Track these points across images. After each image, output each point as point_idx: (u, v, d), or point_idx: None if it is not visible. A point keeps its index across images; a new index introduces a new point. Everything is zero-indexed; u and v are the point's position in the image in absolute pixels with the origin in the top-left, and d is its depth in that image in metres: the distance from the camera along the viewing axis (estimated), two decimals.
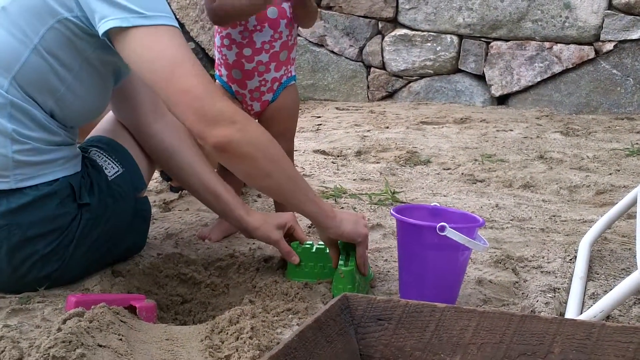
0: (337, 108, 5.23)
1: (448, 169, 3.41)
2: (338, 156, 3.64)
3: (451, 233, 1.79)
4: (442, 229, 1.79)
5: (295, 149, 2.56)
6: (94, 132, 2.11)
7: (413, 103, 5.41)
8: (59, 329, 1.51)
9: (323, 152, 3.69)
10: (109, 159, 1.99)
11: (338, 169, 3.35)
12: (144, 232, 2.13)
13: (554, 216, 2.71)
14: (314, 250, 2.03)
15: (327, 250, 1.99)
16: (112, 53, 1.75)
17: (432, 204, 2.05)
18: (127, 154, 2.04)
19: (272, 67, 2.23)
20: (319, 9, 5.70)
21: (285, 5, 2.21)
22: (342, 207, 2.69)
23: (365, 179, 3.19)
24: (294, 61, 2.32)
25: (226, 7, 2.10)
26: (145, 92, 2.01)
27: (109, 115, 2.12)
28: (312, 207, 1.85)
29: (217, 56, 2.31)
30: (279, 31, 2.20)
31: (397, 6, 5.59)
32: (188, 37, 6.06)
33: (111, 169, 1.98)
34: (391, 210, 1.93)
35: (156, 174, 2.95)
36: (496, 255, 2.21)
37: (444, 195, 2.95)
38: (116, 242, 1.98)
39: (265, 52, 2.21)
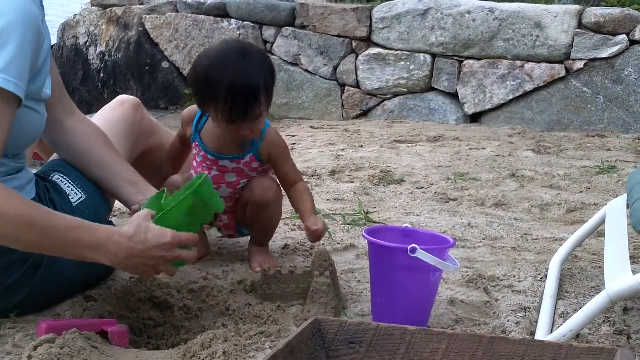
0: (311, 127, 5.25)
1: (421, 187, 3.43)
2: (312, 175, 3.65)
3: (422, 254, 1.81)
4: (413, 250, 1.81)
5: None
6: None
7: (387, 121, 5.44)
8: (29, 357, 1.51)
9: None
10: (72, 185, 1.99)
11: (312, 189, 3.35)
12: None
13: (525, 234, 2.74)
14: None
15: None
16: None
17: (403, 225, 2.07)
18: None
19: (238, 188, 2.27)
20: (293, 29, 5.73)
21: (251, 172, 2.23)
22: None
23: (339, 199, 3.21)
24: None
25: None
26: (53, 92, 1.97)
27: None
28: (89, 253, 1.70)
29: None
30: (238, 188, 2.25)
31: (370, 25, 5.63)
32: (162, 56, 6.07)
33: (74, 195, 1.98)
34: (362, 232, 1.95)
35: None
36: (468, 275, 2.23)
37: (417, 215, 2.97)
38: (85, 269, 1.96)
39: (226, 200, 2.18)
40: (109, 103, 2.40)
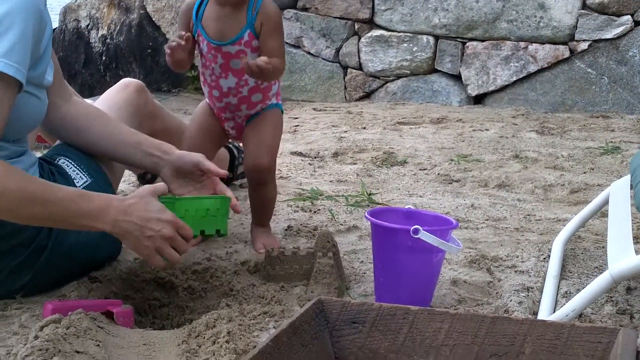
0: (314, 109, 5.24)
1: (424, 169, 3.44)
2: (315, 158, 3.65)
3: (425, 236, 1.81)
4: (416, 231, 1.81)
5: None
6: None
7: (390, 103, 5.43)
8: (36, 337, 1.51)
9: (300, 154, 3.70)
10: (78, 169, 2.00)
11: (315, 171, 3.36)
12: (118, 240, 2.13)
13: (528, 215, 2.74)
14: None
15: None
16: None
17: (406, 207, 2.07)
18: (95, 163, 2.06)
19: (243, 107, 2.27)
20: (296, 11, 5.72)
21: (253, 55, 2.18)
22: (319, 210, 2.70)
23: (342, 181, 3.21)
24: (277, 94, 2.32)
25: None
26: (53, 82, 1.97)
27: None
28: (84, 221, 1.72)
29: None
30: (244, 79, 2.21)
31: (373, 7, 5.61)
32: (164, 39, 6.05)
33: (80, 179, 1.99)
34: (365, 214, 1.95)
35: (133, 178, 2.95)
36: (471, 255, 2.24)
37: (420, 196, 2.98)
38: (90, 251, 1.98)
39: (233, 96, 2.23)
40: (113, 86, 2.40)
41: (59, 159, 2.03)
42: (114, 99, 2.35)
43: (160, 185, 1.88)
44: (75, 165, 2.02)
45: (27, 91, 1.74)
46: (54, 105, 1.98)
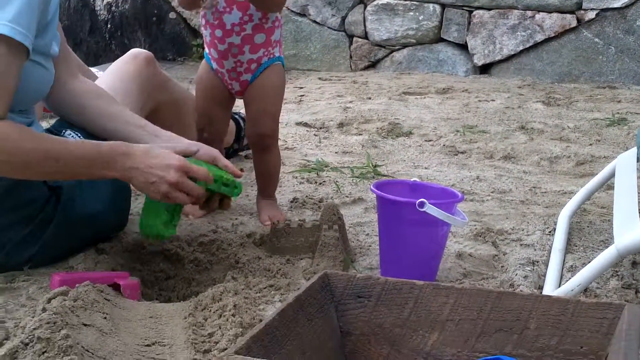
0: (319, 78, 5.22)
1: (430, 140, 3.43)
2: (320, 128, 3.65)
3: (430, 209, 1.81)
4: (422, 205, 1.81)
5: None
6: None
7: (396, 73, 5.40)
8: (44, 309, 1.52)
9: (305, 125, 3.70)
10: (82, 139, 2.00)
11: (320, 142, 3.36)
12: (125, 211, 2.14)
13: (534, 187, 2.74)
14: None
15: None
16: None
17: (412, 179, 2.07)
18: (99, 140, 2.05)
19: (245, 49, 2.20)
20: None
21: None
22: (324, 181, 2.70)
23: (347, 152, 3.21)
24: (278, 43, 2.26)
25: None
26: (59, 53, 1.97)
27: None
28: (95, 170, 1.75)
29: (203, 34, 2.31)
30: (248, 14, 2.16)
31: None
32: (169, 7, 6.02)
33: None
34: (371, 186, 1.95)
35: None
36: (476, 229, 2.24)
37: (425, 168, 2.97)
38: (97, 222, 1.98)
39: (236, 35, 2.18)
40: (122, 57, 2.39)
41: (65, 131, 2.02)
42: (122, 69, 2.34)
43: (186, 144, 1.90)
44: (80, 137, 2.02)
45: (33, 60, 1.73)
46: (60, 80, 1.97)
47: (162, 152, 1.79)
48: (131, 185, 1.96)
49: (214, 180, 1.85)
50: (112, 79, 2.32)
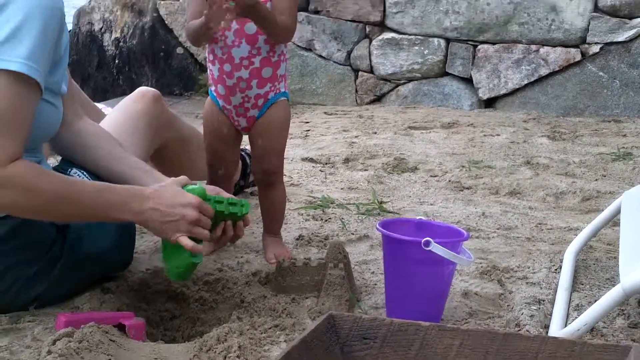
0: (325, 113, 5.24)
1: (435, 176, 3.43)
2: (326, 164, 3.66)
3: (436, 248, 1.81)
4: (427, 244, 1.81)
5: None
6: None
7: (401, 107, 5.43)
8: (49, 352, 1.53)
9: (311, 160, 3.71)
10: (89, 179, 2.01)
11: (326, 178, 3.37)
12: (130, 249, 2.14)
13: (540, 224, 2.74)
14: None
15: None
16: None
17: (417, 218, 2.08)
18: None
19: (253, 83, 2.22)
20: (307, 14, 5.72)
21: None
22: (330, 218, 2.71)
23: (353, 188, 3.21)
24: (284, 78, 2.28)
25: (188, 31, 2.20)
26: (66, 97, 1.98)
27: None
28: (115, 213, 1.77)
29: (209, 71, 2.33)
30: (256, 47, 2.19)
31: (384, 10, 5.61)
32: (177, 42, 6.07)
33: None
34: (377, 225, 1.96)
35: None
36: (482, 266, 2.24)
37: (431, 204, 2.97)
38: (104, 260, 1.99)
39: (245, 68, 2.20)
40: (129, 95, 2.41)
41: (71, 170, 2.04)
42: (130, 107, 2.37)
43: (182, 177, 1.90)
44: (86, 175, 2.03)
45: (43, 98, 1.75)
46: (66, 121, 1.98)
47: (174, 190, 1.81)
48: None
49: (220, 201, 1.87)
50: (120, 117, 2.34)
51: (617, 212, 2.40)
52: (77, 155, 2.04)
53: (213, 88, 2.30)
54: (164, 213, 1.76)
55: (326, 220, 2.69)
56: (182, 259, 1.82)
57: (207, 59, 2.30)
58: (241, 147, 2.73)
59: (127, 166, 2.00)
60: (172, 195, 1.79)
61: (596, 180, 3.36)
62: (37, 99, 1.70)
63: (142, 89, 2.44)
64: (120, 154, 2.03)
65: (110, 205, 1.75)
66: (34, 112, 1.69)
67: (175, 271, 1.84)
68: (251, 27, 2.17)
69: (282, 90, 2.28)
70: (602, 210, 2.56)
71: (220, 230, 1.90)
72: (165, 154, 2.48)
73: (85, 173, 2.01)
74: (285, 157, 2.39)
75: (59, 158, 2.19)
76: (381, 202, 2.89)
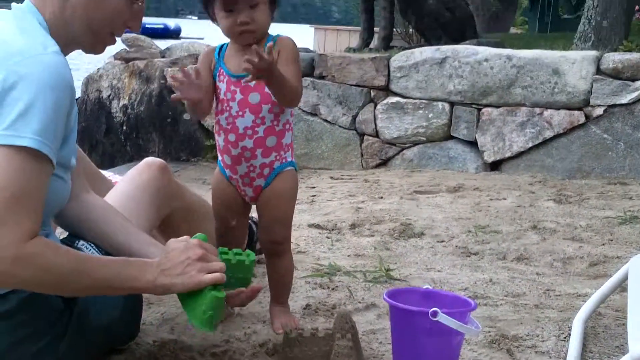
0: (331, 177, 5.27)
1: (442, 241, 3.43)
2: (332, 230, 3.66)
3: (443, 318, 1.81)
4: (435, 314, 1.81)
5: None
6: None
7: (407, 170, 5.45)
8: None
9: (318, 226, 3.71)
10: (96, 252, 2.02)
11: (332, 245, 3.37)
12: (137, 321, 2.14)
13: (548, 290, 2.73)
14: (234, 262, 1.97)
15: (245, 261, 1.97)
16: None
17: (424, 287, 2.07)
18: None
19: (258, 153, 2.23)
20: (312, 79, 5.79)
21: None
22: (337, 286, 2.70)
23: (359, 255, 3.21)
24: (290, 147, 2.30)
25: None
26: (74, 171, 2.00)
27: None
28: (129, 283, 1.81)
29: (215, 141, 2.35)
30: (260, 116, 2.21)
31: (388, 75, 5.68)
32: (183, 108, 6.13)
33: None
34: (384, 295, 1.95)
35: None
36: (490, 335, 2.22)
37: (438, 271, 2.97)
38: (111, 332, 1.99)
39: (249, 138, 2.22)
40: (136, 166, 2.44)
41: (78, 242, 2.05)
42: (137, 178, 2.38)
43: (183, 237, 1.93)
44: (93, 248, 2.04)
45: (54, 173, 1.77)
46: (74, 194, 2.00)
47: (175, 246, 1.87)
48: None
49: (225, 252, 1.93)
50: (127, 188, 2.36)
51: (625, 277, 2.39)
52: (83, 228, 2.05)
53: (220, 158, 2.32)
54: (173, 268, 1.82)
55: (333, 289, 2.68)
56: (205, 299, 1.84)
57: (214, 129, 2.33)
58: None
59: (134, 240, 2.02)
60: (174, 250, 1.86)
61: (603, 244, 3.36)
62: (50, 174, 1.72)
63: (148, 159, 2.46)
64: (127, 228, 2.05)
65: (126, 277, 1.79)
66: (46, 187, 1.71)
67: (203, 318, 1.84)
68: (255, 97, 2.21)
69: (289, 159, 2.30)
70: (610, 276, 2.55)
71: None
72: (172, 224, 2.49)
73: (92, 245, 2.02)
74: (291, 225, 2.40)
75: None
76: (388, 270, 2.89)
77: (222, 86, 2.25)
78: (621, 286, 2.53)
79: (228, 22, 2.18)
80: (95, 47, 1.92)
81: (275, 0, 2.23)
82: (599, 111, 5.18)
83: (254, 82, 2.17)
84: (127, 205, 2.23)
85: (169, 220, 2.47)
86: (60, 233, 2.20)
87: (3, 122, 1.63)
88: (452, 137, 5.57)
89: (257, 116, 2.22)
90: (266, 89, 2.18)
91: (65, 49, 1.82)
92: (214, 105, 2.29)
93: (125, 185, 2.39)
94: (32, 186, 1.66)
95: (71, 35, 1.86)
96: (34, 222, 1.66)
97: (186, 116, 6.14)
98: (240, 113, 2.21)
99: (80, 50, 1.93)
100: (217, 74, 2.26)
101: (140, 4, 1.90)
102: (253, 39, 2.19)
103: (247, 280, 2.00)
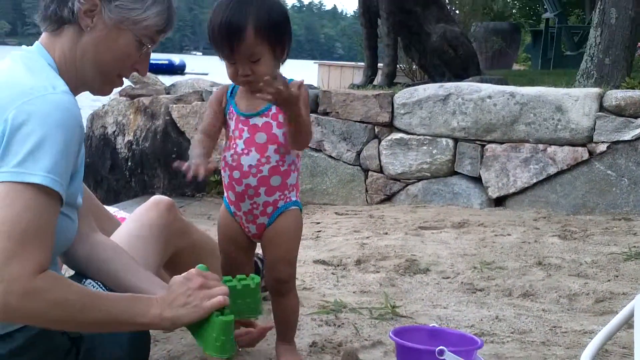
0: (336, 213, 5.28)
1: (447, 277, 3.43)
2: (338, 266, 3.66)
3: (450, 357, 1.81)
4: (441, 353, 1.81)
5: None
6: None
7: (411, 206, 5.46)
8: None
9: (323, 262, 3.72)
10: (103, 290, 2.02)
11: (338, 281, 3.37)
12: (144, 358, 2.14)
13: (554, 327, 2.72)
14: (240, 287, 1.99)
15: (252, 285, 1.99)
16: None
17: (430, 325, 2.08)
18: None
19: (261, 191, 2.24)
20: (317, 115, 5.83)
21: (278, 131, 2.25)
22: (343, 323, 2.70)
23: (365, 291, 3.21)
24: (295, 187, 2.30)
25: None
26: (82, 210, 2.02)
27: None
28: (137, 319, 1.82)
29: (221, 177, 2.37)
30: (266, 156, 2.22)
31: (392, 111, 5.72)
32: (188, 144, 6.17)
33: None
34: (390, 333, 1.96)
35: None
36: None
37: (444, 307, 2.97)
38: None
39: (253, 176, 2.23)
40: (143, 204, 2.45)
41: (85, 281, 2.06)
42: (144, 217, 2.40)
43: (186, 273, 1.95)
44: (100, 286, 2.05)
45: (60, 211, 1.78)
46: (81, 234, 2.01)
47: (175, 279, 1.91)
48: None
49: (229, 279, 1.95)
50: (133, 226, 2.38)
51: (632, 314, 2.38)
52: (92, 268, 2.06)
53: (225, 194, 2.34)
54: (176, 300, 1.85)
55: (339, 326, 2.68)
56: (214, 327, 1.85)
57: (220, 165, 2.35)
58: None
59: (141, 280, 2.03)
60: (175, 283, 1.89)
61: (609, 280, 3.36)
62: (59, 210, 1.73)
63: (155, 197, 2.48)
64: (134, 268, 2.06)
65: (133, 312, 1.80)
66: (55, 224, 1.72)
67: (216, 345, 1.85)
68: (262, 136, 2.23)
69: (293, 199, 2.31)
70: (617, 312, 2.54)
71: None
72: (178, 261, 2.50)
73: (99, 284, 2.03)
74: (296, 262, 2.40)
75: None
76: (394, 306, 2.89)
77: (231, 124, 2.28)
78: (628, 323, 2.53)
79: (230, 71, 2.20)
80: (103, 89, 1.96)
81: (283, 49, 2.22)
82: (602, 147, 5.19)
83: (262, 120, 2.20)
84: (134, 244, 2.24)
85: (175, 258, 2.48)
86: (66, 270, 2.21)
87: (13, 159, 1.65)
88: (456, 173, 5.58)
89: (263, 155, 2.23)
90: (273, 130, 2.21)
91: (75, 91, 1.85)
92: (224, 142, 2.31)
93: (131, 224, 2.41)
94: (42, 222, 1.68)
95: (80, 76, 1.89)
96: (43, 257, 1.68)
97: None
98: (245, 151, 2.23)
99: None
100: (228, 112, 2.30)
101: (149, 47, 1.93)
102: (258, 86, 2.21)
103: (256, 305, 2.00)
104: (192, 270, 1.91)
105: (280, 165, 2.25)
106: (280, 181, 2.26)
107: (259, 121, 2.23)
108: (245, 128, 2.24)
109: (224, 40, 2.15)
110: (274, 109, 2.22)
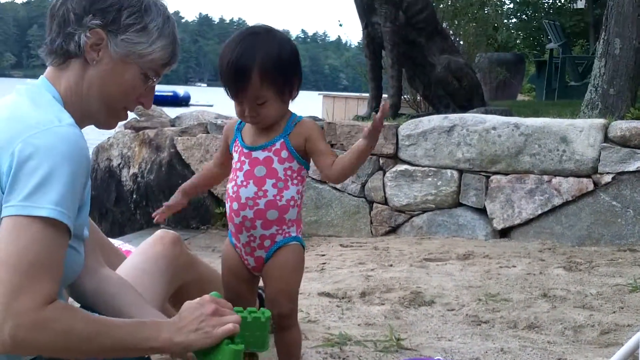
0: (341, 245, 5.27)
1: (452, 309, 3.42)
2: (342, 298, 3.65)
3: None
4: None
5: (300, 291, 2.55)
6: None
7: (416, 238, 5.46)
8: None
9: (328, 295, 3.71)
10: None
11: (343, 313, 3.36)
12: None
13: (559, 359, 2.71)
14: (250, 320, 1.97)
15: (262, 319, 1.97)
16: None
17: (435, 358, 2.07)
18: None
19: (258, 224, 2.25)
20: None
21: (279, 166, 2.26)
22: (347, 356, 2.69)
23: (370, 324, 3.20)
24: (295, 223, 2.30)
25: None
26: (89, 244, 2.03)
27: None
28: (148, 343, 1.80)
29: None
30: (263, 189, 2.24)
31: (397, 143, 5.73)
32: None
33: None
34: None
35: None
36: None
37: (449, 340, 2.96)
38: None
39: (250, 209, 2.24)
40: (149, 238, 2.46)
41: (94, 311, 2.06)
42: (149, 251, 2.41)
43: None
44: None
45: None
46: (89, 268, 2.02)
47: (188, 304, 1.88)
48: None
49: (240, 311, 1.93)
50: (139, 260, 2.38)
51: (637, 346, 2.37)
52: (98, 302, 2.06)
53: (229, 224, 2.36)
54: (189, 325, 1.82)
55: (344, 359, 2.67)
56: (224, 355, 1.83)
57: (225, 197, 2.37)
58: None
59: (147, 315, 2.03)
60: (188, 308, 1.86)
61: (614, 312, 3.34)
62: (67, 242, 1.74)
63: (161, 231, 2.49)
64: (140, 303, 2.06)
65: (143, 337, 1.79)
66: (64, 256, 1.73)
67: None
68: (261, 169, 2.25)
69: (293, 234, 2.30)
70: (622, 344, 2.53)
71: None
72: (184, 295, 2.49)
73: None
74: (301, 292, 2.41)
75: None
76: (399, 339, 2.88)
77: (235, 156, 2.31)
78: (633, 355, 2.52)
79: (237, 109, 2.24)
80: (108, 122, 1.97)
81: (292, 89, 2.25)
82: (607, 178, 5.20)
83: (264, 154, 2.23)
84: (139, 278, 2.25)
85: (181, 292, 2.49)
86: (71, 303, 2.22)
87: (21, 193, 1.66)
88: (461, 205, 5.58)
89: (260, 188, 2.25)
90: (273, 165, 2.24)
91: (80, 124, 1.86)
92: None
93: (137, 258, 2.42)
94: (50, 254, 1.68)
95: (86, 109, 1.90)
96: (51, 288, 1.68)
97: None
98: (244, 183, 2.25)
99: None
100: (233, 144, 2.33)
101: (154, 80, 1.95)
102: (263, 125, 2.25)
103: (264, 339, 1.99)
104: (206, 297, 1.90)
105: (277, 200, 2.26)
106: (277, 215, 2.27)
107: (260, 155, 2.26)
108: (247, 160, 2.27)
109: (231, 82, 2.19)
110: (277, 145, 2.25)
